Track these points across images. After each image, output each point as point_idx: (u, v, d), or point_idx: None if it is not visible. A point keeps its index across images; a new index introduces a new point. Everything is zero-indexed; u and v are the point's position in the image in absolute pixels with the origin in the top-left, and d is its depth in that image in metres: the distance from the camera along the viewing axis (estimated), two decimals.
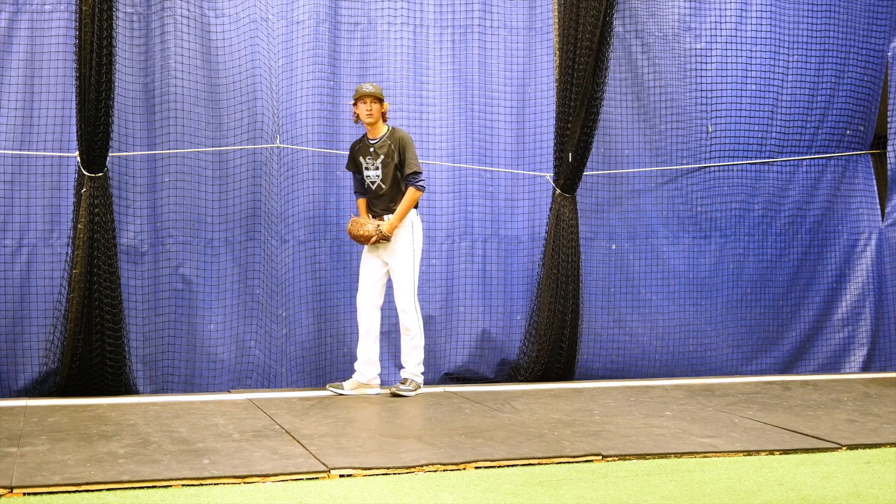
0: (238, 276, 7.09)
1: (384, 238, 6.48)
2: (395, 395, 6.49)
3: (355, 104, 6.55)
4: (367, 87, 6.49)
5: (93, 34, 6.27)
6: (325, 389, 6.67)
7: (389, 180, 6.52)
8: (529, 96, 7.69)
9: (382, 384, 6.84)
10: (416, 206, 6.59)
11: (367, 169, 6.58)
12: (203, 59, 7.02)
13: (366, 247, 6.64)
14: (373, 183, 6.56)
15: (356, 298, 6.70)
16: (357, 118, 6.57)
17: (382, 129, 6.58)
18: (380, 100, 6.50)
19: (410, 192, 6.46)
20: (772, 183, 8.15)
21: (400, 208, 6.46)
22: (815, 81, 8.18)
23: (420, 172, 6.51)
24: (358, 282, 6.71)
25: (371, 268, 6.61)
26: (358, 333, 6.68)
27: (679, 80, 7.91)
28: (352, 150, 6.72)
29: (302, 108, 7.21)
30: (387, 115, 6.61)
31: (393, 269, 6.54)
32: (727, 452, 4.89)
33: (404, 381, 6.56)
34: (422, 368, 6.64)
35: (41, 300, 6.74)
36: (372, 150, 6.56)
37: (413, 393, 6.52)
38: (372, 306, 6.60)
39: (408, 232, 6.52)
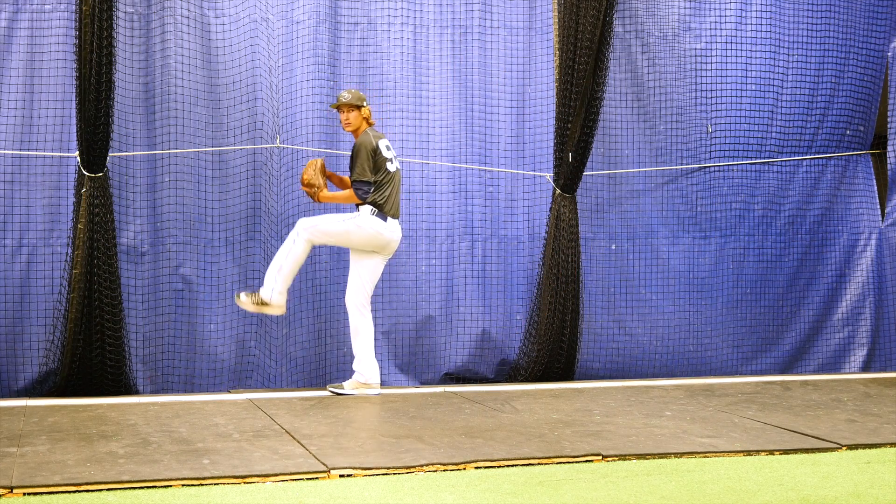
0: (238, 276, 7.09)
1: (315, 197, 6.50)
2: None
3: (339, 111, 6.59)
4: (344, 97, 6.49)
5: (93, 34, 6.27)
6: (325, 390, 6.67)
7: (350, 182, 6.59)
8: (529, 96, 7.69)
9: (382, 384, 6.84)
10: (379, 209, 6.42)
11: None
12: (203, 59, 7.02)
13: None
14: None
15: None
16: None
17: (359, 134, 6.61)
18: (357, 107, 6.50)
19: (349, 192, 6.48)
20: (772, 183, 8.15)
21: (339, 193, 6.54)
22: (815, 81, 8.18)
23: (363, 182, 6.38)
24: None
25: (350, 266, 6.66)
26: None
27: (679, 80, 7.92)
28: None
29: (302, 108, 7.21)
30: (371, 120, 6.57)
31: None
32: (727, 452, 4.89)
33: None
34: (273, 283, 6.47)
35: (41, 300, 6.74)
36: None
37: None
38: (353, 305, 6.56)
39: (350, 214, 6.49)
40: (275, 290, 6.45)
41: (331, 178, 6.71)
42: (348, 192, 6.49)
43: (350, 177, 6.46)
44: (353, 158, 6.44)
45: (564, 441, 5.05)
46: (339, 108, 6.54)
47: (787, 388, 7.00)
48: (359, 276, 6.53)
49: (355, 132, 6.56)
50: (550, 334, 7.32)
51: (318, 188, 6.51)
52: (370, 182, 6.41)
